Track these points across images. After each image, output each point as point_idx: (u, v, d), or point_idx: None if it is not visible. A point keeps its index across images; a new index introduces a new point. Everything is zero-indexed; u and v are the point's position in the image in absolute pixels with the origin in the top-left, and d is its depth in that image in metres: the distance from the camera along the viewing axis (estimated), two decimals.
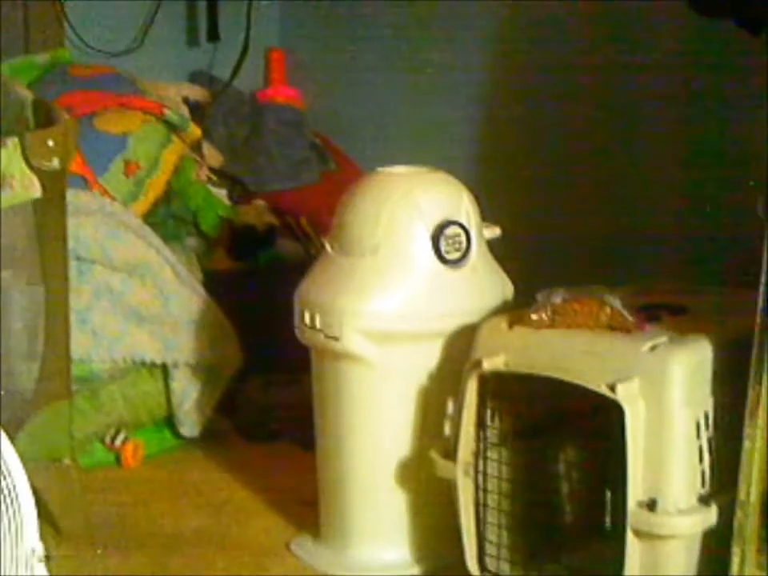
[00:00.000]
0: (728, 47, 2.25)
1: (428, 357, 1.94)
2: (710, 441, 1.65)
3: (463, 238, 1.95)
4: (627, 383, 1.64)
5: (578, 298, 1.77)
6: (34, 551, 1.48)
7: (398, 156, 2.06)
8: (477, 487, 1.80)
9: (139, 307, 2.39)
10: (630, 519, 1.63)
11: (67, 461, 2.04)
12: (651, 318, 1.77)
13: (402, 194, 1.94)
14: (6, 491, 1.44)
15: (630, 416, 1.63)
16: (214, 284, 2.55)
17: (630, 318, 1.74)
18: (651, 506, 1.63)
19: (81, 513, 2.05)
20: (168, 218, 2.62)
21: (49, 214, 1.98)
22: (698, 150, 2.45)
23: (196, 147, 2.78)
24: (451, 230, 1.94)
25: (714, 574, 1.65)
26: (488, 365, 1.77)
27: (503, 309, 1.94)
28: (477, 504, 1.80)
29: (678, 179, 2.50)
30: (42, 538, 1.51)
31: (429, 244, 1.92)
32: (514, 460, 1.81)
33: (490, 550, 1.81)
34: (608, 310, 1.74)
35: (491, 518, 1.80)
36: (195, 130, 2.73)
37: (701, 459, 1.65)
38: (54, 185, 1.96)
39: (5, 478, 1.45)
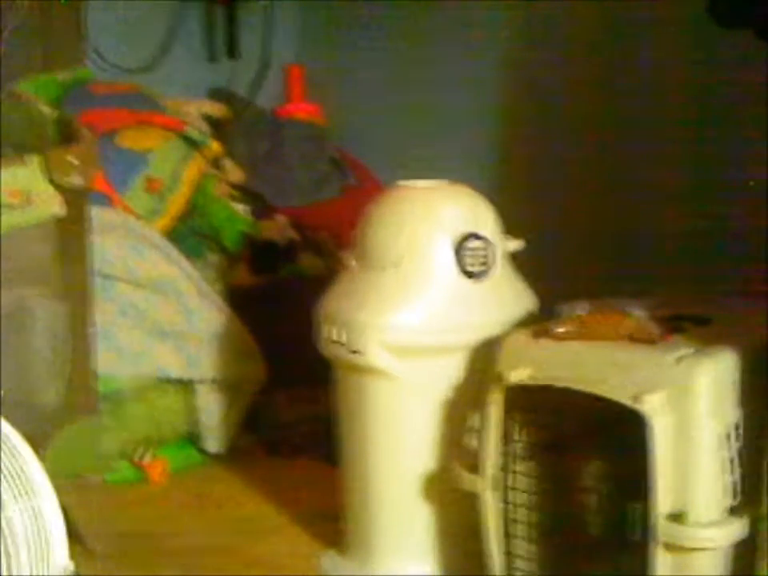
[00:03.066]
0: (736, 57, 2.26)
1: (451, 370, 1.94)
2: (739, 452, 1.65)
3: (486, 251, 1.94)
4: (653, 395, 1.63)
5: (602, 310, 1.77)
6: (64, 569, 1.48)
7: (420, 170, 2.06)
8: (502, 501, 1.79)
9: (162, 323, 2.40)
10: (658, 531, 1.63)
11: (94, 477, 2.05)
12: (676, 330, 1.76)
13: (423, 207, 1.94)
14: (34, 509, 1.45)
15: (656, 428, 1.62)
16: (236, 299, 2.56)
17: (655, 330, 1.73)
18: (679, 518, 1.62)
19: (108, 529, 2.06)
20: (190, 233, 2.62)
21: (71, 231, 1.99)
22: (717, 165, 2.45)
23: (217, 163, 2.79)
24: (473, 243, 1.93)
25: None
26: (512, 377, 1.76)
27: (526, 321, 1.94)
28: (502, 517, 1.80)
29: (702, 190, 2.49)
30: (70, 554, 1.51)
31: (451, 257, 1.92)
32: (540, 473, 1.81)
33: (517, 563, 1.81)
34: (633, 321, 1.74)
35: (517, 531, 1.80)
36: (216, 147, 2.74)
37: (730, 471, 1.64)
38: (77, 202, 1.98)
39: (33, 496, 1.46)
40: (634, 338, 1.73)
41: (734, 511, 1.64)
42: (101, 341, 2.19)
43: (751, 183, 1.60)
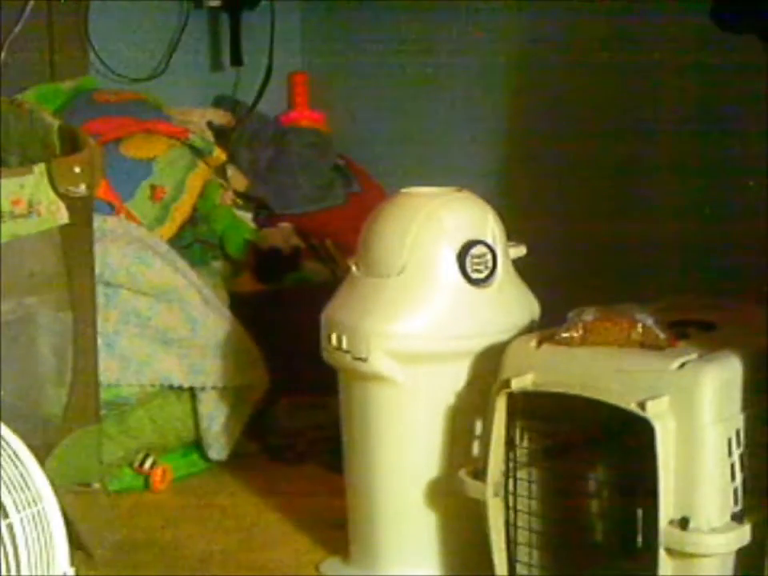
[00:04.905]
0: (739, 61, 2.26)
1: (455, 377, 1.93)
2: (742, 458, 1.64)
3: (489, 258, 1.94)
4: (657, 401, 1.63)
5: (609, 316, 1.76)
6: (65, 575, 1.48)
7: (423, 176, 2.06)
8: (507, 507, 1.79)
9: (166, 331, 2.40)
10: (662, 538, 1.62)
11: (96, 485, 2.05)
12: (679, 335, 1.76)
13: (427, 214, 1.94)
14: (37, 516, 1.45)
15: (660, 434, 1.62)
16: (241, 307, 2.55)
17: (663, 336, 1.73)
18: (683, 524, 1.62)
19: (110, 537, 2.06)
20: (194, 241, 2.63)
21: (76, 239, 1.99)
22: (720, 169, 2.45)
23: (221, 171, 2.79)
24: (477, 250, 1.93)
25: None
26: (516, 384, 1.76)
27: (530, 328, 1.94)
28: (507, 524, 1.80)
29: (705, 195, 2.49)
30: (72, 562, 1.51)
31: (455, 264, 1.92)
32: (544, 479, 1.80)
33: (521, 569, 1.80)
34: (640, 327, 1.73)
35: (521, 537, 1.80)
36: (220, 154, 2.74)
37: (733, 476, 1.64)
38: (81, 210, 1.98)
39: (36, 503, 1.46)
40: (641, 345, 1.73)
41: (737, 517, 1.64)
42: (104, 349, 2.19)
43: (751, 184, 1.60)
